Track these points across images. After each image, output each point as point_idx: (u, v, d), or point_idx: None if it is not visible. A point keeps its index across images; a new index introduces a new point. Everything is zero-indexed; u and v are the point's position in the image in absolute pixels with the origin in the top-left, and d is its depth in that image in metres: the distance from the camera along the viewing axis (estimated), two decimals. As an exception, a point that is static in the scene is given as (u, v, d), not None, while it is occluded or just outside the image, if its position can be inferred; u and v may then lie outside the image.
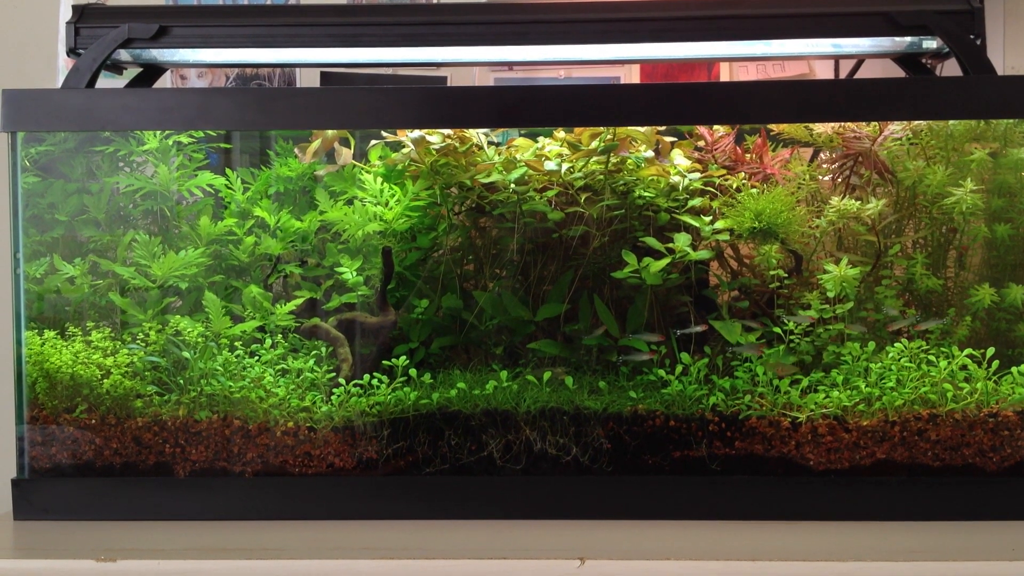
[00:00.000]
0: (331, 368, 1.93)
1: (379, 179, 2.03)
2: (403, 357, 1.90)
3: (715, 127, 2.03)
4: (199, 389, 1.88)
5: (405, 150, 2.04)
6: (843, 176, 2.01)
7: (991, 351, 1.82)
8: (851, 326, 1.87)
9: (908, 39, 1.89)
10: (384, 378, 1.89)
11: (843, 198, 1.96)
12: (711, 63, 2.84)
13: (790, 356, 1.86)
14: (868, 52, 1.99)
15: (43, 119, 1.83)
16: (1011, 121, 1.91)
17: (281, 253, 2.04)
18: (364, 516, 1.82)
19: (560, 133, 2.03)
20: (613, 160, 1.99)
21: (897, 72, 2.05)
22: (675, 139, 2.04)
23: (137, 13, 1.91)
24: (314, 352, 1.94)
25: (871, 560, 1.61)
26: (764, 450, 1.82)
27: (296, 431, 1.85)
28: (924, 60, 2.00)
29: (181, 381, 1.89)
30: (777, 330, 1.88)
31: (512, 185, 1.98)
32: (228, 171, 2.07)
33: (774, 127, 2.02)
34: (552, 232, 2.01)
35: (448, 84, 2.89)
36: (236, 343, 1.92)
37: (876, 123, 1.95)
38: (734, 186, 1.97)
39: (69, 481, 1.85)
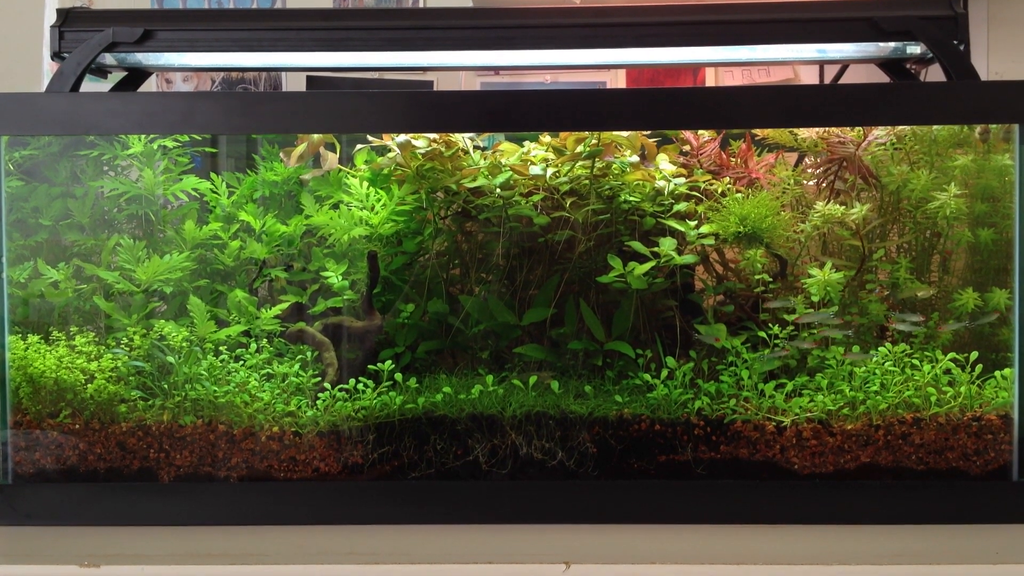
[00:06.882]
0: (316, 372, 1.92)
1: (365, 183, 2.03)
2: (389, 361, 1.89)
3: (700, 132, 2.03)
4: (184, 394, 1.87)
5: (391, 154, 2.04)
6: (827, 181, 2.02)
7: (974, 355, 1.82)
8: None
9: (892, 44, 1.90)
10: (370, 382, 1.88)
11: (827, 203, 1.97)
12: (697, 68, 2.85)
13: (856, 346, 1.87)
14: (853, 57, 2.00)
15: (27, 123, 1.82)
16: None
17: (267, 257, 2.04)
18: (349, 521, 1.81)
19: (546, 138, 2.03)
20: (598, 165, 1.99)
21: (881, 77, 2.06)
22: (659, 139, 2.04)
23: (122, 17, 1.90)
24: (299, 356, 1.93)
25: (856, 564, 1.61)
26: (749, 454, 1.82)
27: (281, 436, 1.85)
28: (908, 65, 2.01)
29: (165, 386, 1.88)
30: (762, 334, 1.88)
31: (498, 189, 1.98)
32: (213, 175, 2.07)
33: (759, 132, 2.03)
34: (538, 236, 2.01)
35: (434, 88, 2.89)
36: (221, 347, 1.91)
37: (860, 128, 1.96)
38: (719, 190, 1.98)
39: (53, 486, 1.84)
